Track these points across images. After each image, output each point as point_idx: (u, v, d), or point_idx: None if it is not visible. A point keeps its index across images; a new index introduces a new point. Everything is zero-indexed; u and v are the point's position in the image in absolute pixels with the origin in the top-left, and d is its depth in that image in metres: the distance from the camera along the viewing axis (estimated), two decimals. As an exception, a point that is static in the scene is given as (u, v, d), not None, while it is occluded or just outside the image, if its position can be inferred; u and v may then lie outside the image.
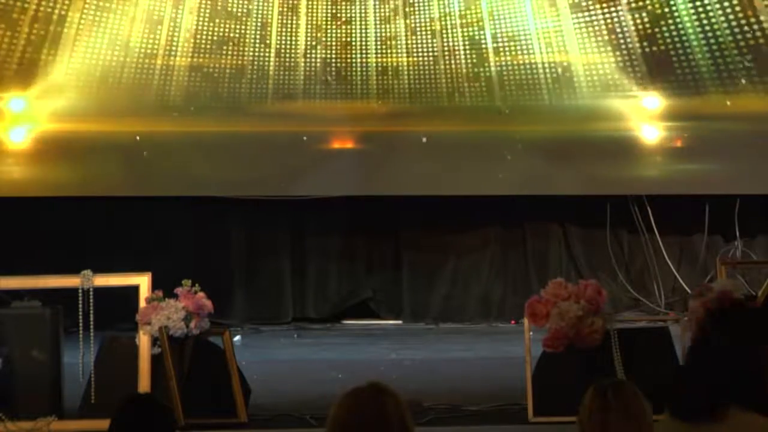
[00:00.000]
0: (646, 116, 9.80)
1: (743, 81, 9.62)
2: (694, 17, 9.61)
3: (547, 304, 6.70)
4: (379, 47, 9.99)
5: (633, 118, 9.83)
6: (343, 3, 10.00)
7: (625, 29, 9.78)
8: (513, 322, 10.34)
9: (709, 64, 9.64)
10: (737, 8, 9.48)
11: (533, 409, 6.66)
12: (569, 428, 6.37)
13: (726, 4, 9.50)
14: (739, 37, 9.53)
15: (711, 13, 9.55)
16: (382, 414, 3.53)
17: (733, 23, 9.52)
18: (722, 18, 9.54)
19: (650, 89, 9.76)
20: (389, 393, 3.59)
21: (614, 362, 6.62)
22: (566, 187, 9.92)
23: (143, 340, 6.74)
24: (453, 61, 9.96)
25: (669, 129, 9.78)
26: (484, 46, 9.95)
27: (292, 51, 9.99)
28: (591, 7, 9.83)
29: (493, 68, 9.93)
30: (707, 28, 9.59)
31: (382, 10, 10.01)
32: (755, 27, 9.50)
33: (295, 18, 10.00)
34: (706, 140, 9.70)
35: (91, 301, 6.75)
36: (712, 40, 9.58)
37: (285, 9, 10.00)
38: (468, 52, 9.95)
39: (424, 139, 9.81)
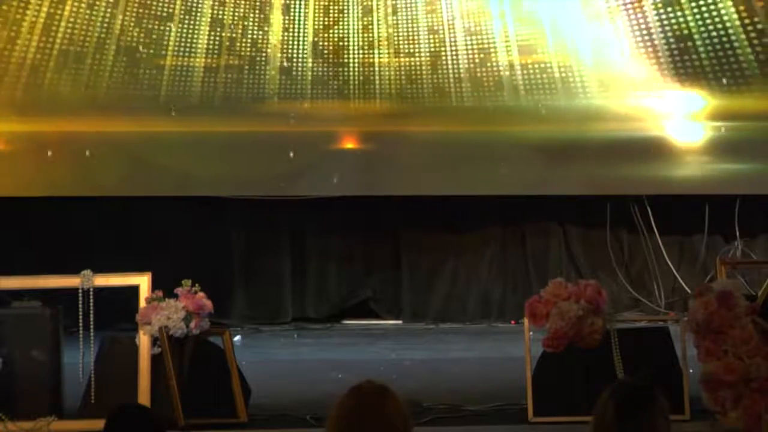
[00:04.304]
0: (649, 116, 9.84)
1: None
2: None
3: (547, 304, 6.70)
4: (379, 47, 9.99)
5: (633, 119, 9.84)
6: (344, 3, 10.00)
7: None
8: (513, 322, 10.33)
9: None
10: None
11: (533, 409, 6.66)
12: (569, 428, 6.40)
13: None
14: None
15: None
16: (383, 414, 3.53)
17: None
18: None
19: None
20: (390, 393, 3.59)
21: (614, 362, 6.61)
22: (566, 187, 9.92)
23: (143, 340, 6.73)
24: (454, 61, 9.95)
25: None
26: (485, 46, 9.95)
27: (293, 51, 9.99)
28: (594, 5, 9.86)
29: (493, 68, 9.93)
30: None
31: (383, 10, 10.00)
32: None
33: (295, 18, 10.00)
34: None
35: (91, 301, 6.75)
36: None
37: (285, 9, 10.00)
38: (469, 51, 9.95)
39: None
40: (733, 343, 6.39)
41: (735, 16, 9.59)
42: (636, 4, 9.74)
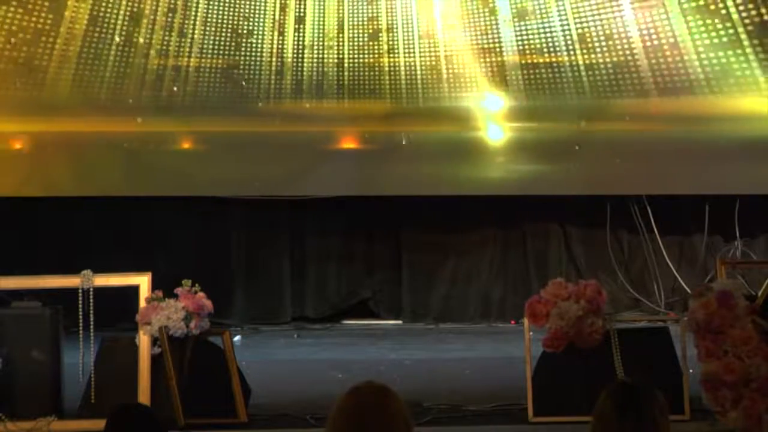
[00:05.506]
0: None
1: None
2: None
3: (547, 304, 6.70)
4: (379, 48, 9.99)
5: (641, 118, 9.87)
6: (343, 4, 10.01)
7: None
8: (513, 322, 10.34)
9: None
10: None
11: (533, 409, 6.66)
12: (569, 428, 6.40)
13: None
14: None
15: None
16: (383, 414, 3.53)
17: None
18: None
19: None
20: (390, 393, 3.59)
21: (614, 362, 6.61)
22: (566, 187, 9.93)
23: (143, 340, 6.73)
24: (453, 62, 9.96)
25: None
26: (483, 46, 9.95)
27: (292, 51, 9.99)
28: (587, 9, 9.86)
29: (493, 68, 9.93)
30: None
31: (381, 11, 10.01)
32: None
33: (294, 18, 10.01)
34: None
35: (91, 301, 6.75)
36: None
37: (284, 9, 10.00)
38: (466, 52, 9.95)
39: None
40: (733, 343, 6.39)
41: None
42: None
